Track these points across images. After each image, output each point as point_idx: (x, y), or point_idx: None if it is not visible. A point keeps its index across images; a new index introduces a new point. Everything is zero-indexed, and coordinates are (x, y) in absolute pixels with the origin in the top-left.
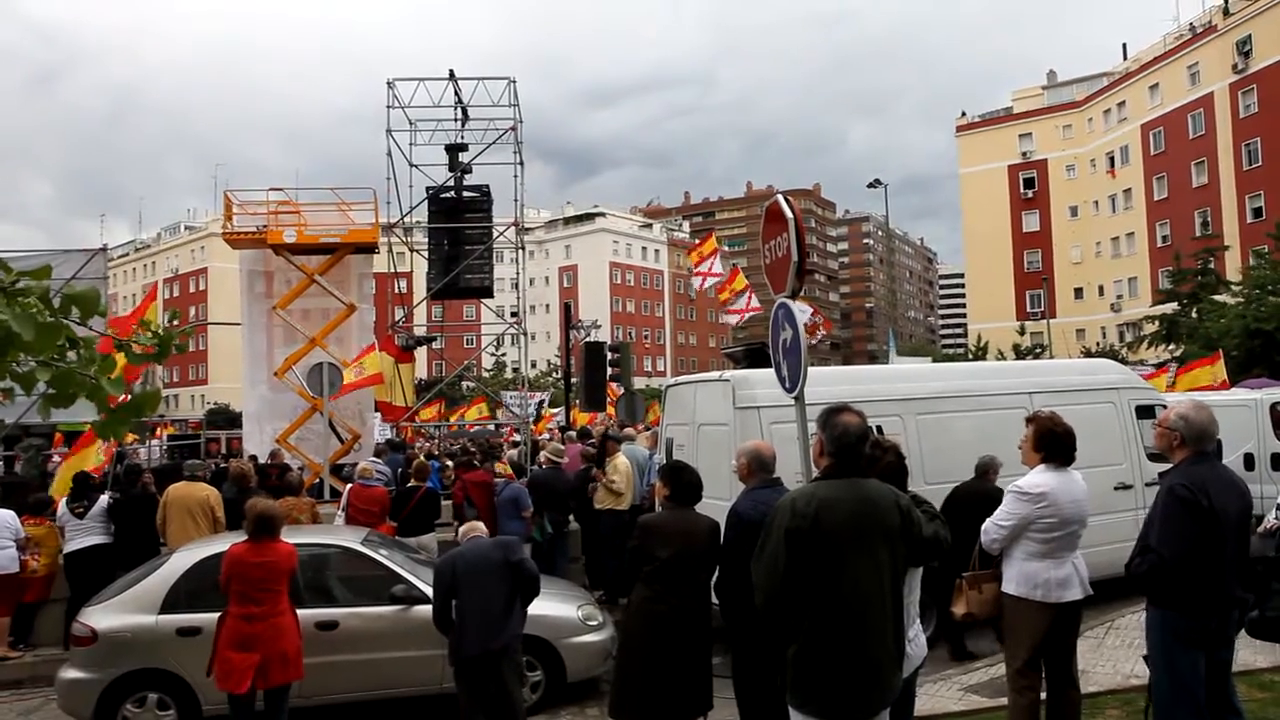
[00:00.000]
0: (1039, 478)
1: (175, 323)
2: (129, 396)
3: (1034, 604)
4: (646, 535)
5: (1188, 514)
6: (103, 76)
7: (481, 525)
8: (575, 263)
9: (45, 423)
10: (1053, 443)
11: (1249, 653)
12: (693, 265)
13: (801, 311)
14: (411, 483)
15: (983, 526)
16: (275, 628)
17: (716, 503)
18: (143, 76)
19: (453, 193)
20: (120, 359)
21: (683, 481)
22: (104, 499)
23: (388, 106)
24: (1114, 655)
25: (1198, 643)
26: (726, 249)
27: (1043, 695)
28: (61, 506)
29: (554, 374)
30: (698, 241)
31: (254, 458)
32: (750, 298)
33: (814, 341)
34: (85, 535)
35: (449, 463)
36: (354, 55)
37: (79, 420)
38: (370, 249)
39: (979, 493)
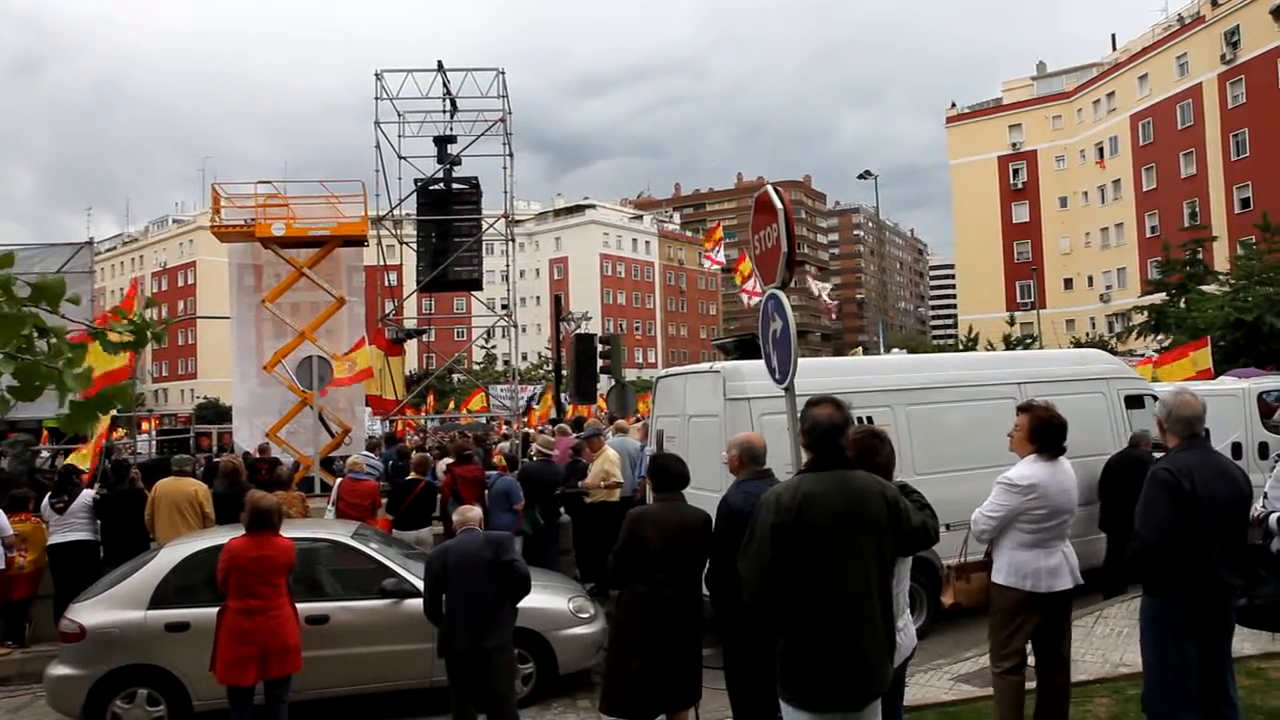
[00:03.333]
0: (1029, 469)
1: (153, 311)
2: (95, 391)
3: (1024, 594)
4: (637, 527)
5: (1168, 497)
6: (87, 66)
7: (477, 513)
8: (565, 255)
9: (31, 419)
10: (1047, 434)
11: (1237, 640)
12: (706, 248)
13: (821, 288)
14: (411, 475)
15: (971, 517)
16: (275, 620)
17: (707, 494)
18: (127, 66)
19: (442, 185)
20: (95, 348)
21: (667, 474)
22: (88, 494)
23: (375, 98)
24: (1103, 644)
25: (1188, 631)
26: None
27: (1030, 685)
28: (45, 501)
29: (545, 366)
30: (711, 226)
31: (249, 454)
32: (755, 281)
33: (832, 319)
34: (66, 530)
35: (444, 460)
36: (341, 46)
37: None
38: (359, 242)
39: (1132, 461)
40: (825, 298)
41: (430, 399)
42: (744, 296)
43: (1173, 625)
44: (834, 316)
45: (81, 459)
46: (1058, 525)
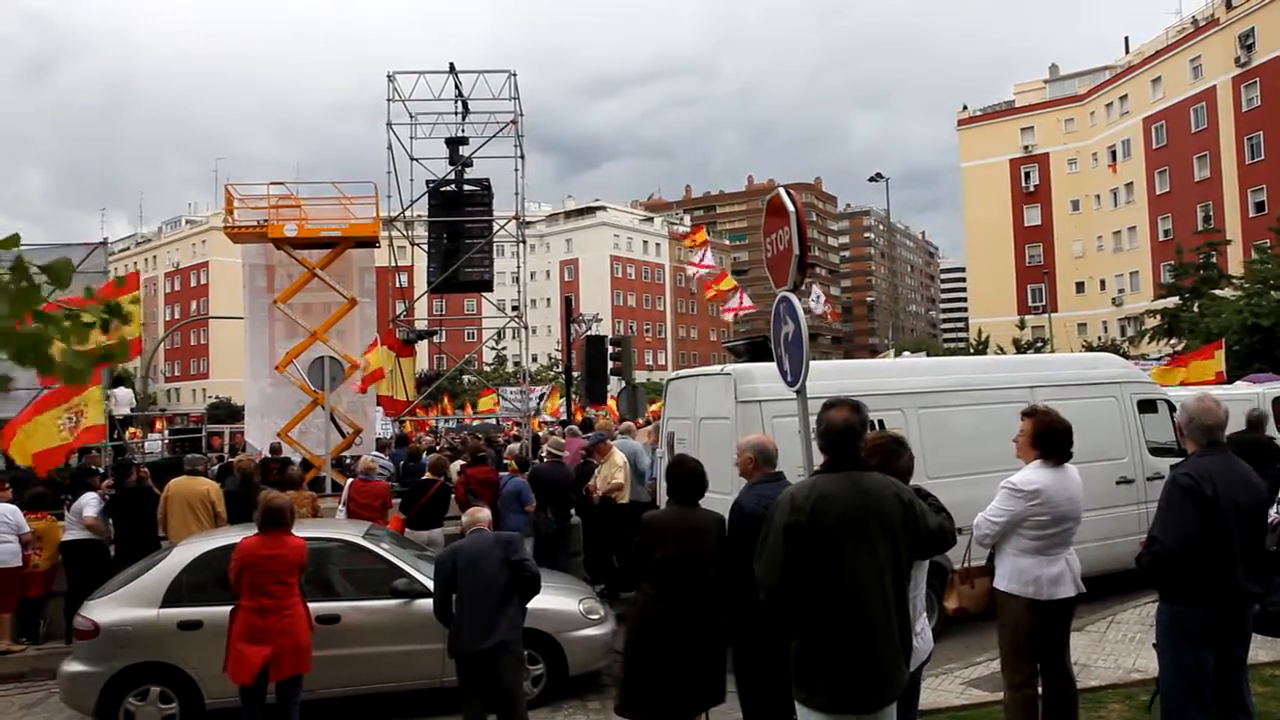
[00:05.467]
0: (1034, 474)
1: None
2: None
3: (1025, 601)
4: (649, 532)
5: (1190, 502)
6: (98, 67)
7: (486, 514)
8: (576, 256)
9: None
10: (1051, 439)
11: (1250, 647)
12: (690, 247)
13: (816, 298)
14: (427, 475)
15: (974, 521)
16: (287, 620)
17: (718, 497)
18: (139, 67)
19: (453, 186)
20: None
21: (680, 479)
22: (91, 498)
23: (388, 99)
24: (1115, 650)
25: (1206, 638)
26: (727, 242)
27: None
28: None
29: (555, 368)
30: (693, 229)
31: (266, 458)
32: (741, 297)
33: (832, 321)
34: (73, 528)
35: (457, 462)
36: (353, 47)
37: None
38: (371, 243)
39: (1254, 443)
40: (818, 305)
41: (446, 400)
42: (727, 314)
43: (1190, 632)
44: (827, 321)
45: (37, 433)
46: (1062, 532)
